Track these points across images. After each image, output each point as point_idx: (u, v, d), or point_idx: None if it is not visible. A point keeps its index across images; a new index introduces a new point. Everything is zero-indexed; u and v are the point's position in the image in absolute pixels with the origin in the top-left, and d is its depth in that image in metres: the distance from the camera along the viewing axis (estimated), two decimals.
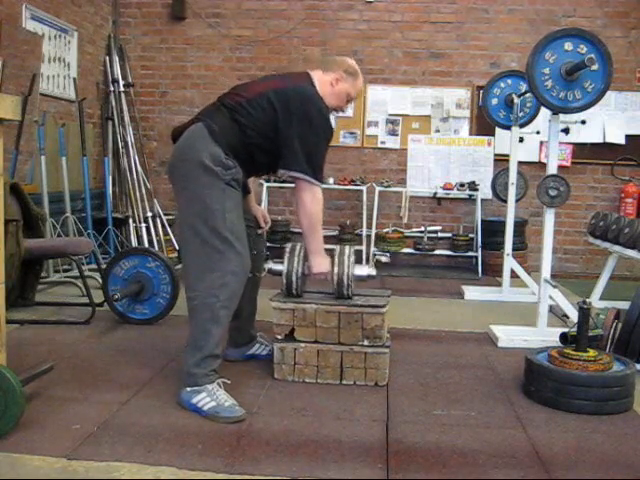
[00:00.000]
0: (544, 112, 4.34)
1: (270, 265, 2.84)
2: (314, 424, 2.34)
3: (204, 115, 2.53)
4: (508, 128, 4.78)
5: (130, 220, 5.79)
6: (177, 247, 4.52)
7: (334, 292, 2.78)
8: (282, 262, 2.78)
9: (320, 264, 2.70)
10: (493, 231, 5.85)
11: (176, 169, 2.51)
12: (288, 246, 2.83)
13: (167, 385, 2.67)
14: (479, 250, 5.93)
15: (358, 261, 2.90)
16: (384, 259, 2.92)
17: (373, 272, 2.84)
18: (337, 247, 2.81)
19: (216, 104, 2.57)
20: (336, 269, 2.72)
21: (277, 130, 2.49)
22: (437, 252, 6.14)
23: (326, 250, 2.74)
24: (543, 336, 3.49)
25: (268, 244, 3.23)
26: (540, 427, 2.40)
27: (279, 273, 2.77)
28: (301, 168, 2.49)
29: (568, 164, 6.09)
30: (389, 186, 6.06)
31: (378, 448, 2.16)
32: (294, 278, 2.74)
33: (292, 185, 2.76)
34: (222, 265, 2.38)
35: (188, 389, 2.42)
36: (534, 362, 2.70)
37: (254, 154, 2.53)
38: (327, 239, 6.22)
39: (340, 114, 6.11)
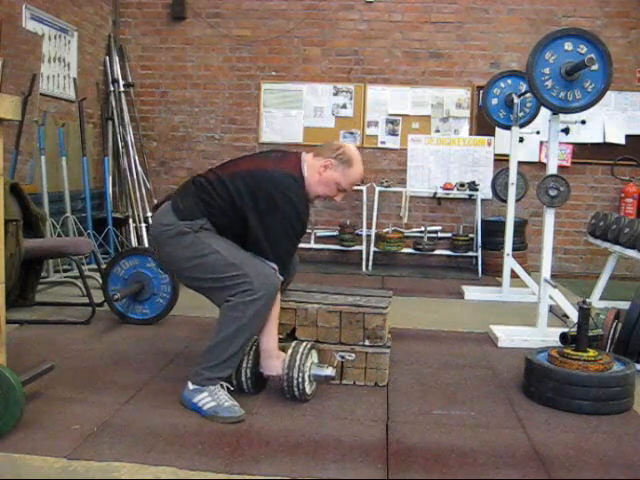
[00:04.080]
0: (544, 112, 4.34)
1: None
2: (314, 424, 2.34)
3: (176, 192, 2.57)
4: (508, 128, 4.78)
5: (130, 220, 5.79)
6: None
7: (285, 391, 2.53)
8: None
9: (271, 366, 2.53)
10: (493, 231, 5.86)
11: (154, 244, 2.60)
12: None
13: (167, 385, 2.67)
14: (479, 250, 5.93)
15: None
16: (348, 357, 2.67)
17: (332, 373, 2.58)
18: (293, 345, 2.58)
19: (189, 181, 2.58)
20: (286, 370, 2.49)
21: (240, 214, 2.43)
22: (437, 252, 6.14)
23: (281, 342, 2.60)
24: (543, 336, 3.50)
25: None
26: (540, 427, 2.40)
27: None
28: (266, 257, 2.43)
29: (568, 164, 6.09)
30: (389, 186, 6.06)
31: (378, 448, 2.16)
32: (243, 377, 2.57)
33: None
34: (247, 285, 2.36)
35: (191, 387, 2.43)
36: (534, 362, 2.70)
37: (222, 231, 2.49)
38: (327, 239, 6.27)
39: (340, 113, 6.23)
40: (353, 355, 2.69)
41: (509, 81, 4.80)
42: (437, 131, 6.27)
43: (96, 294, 3.86)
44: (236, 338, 2.40)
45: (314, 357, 2.63)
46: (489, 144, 6.19)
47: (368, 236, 6.02)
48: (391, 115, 6.26)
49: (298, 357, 2.51)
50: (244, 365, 2.56)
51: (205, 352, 2.46)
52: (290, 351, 2.53)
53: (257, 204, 2.41)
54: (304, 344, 2.59)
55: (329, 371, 2.58)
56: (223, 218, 2.47)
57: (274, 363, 2.54)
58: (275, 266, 2.45)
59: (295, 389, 2.50)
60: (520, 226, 5.78)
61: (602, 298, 4.43)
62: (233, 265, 2.38)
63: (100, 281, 3.99)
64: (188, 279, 2.54)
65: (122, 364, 2.97)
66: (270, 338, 2.53)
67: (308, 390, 2.54)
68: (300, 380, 2.48)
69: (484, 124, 5.78)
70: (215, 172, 2.55)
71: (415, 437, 2.26)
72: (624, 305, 3.29)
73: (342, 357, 2.69)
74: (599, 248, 4.73)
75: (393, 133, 6.29)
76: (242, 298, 2.37)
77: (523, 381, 2.80)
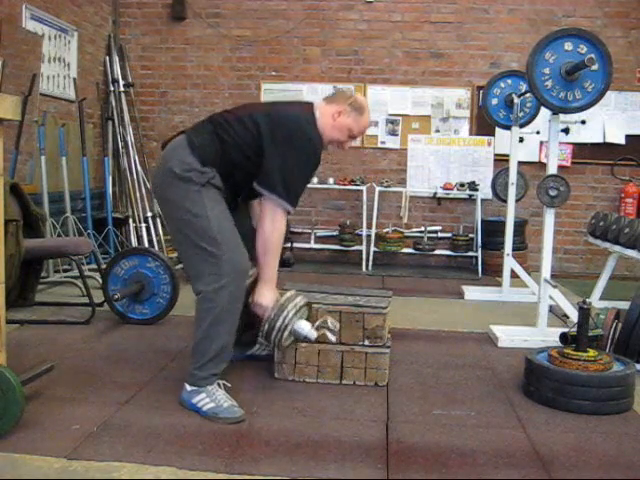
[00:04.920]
0: (544, 112, 4.34)
1: None
2: (314, 424, 2.34)
3: (190, 129, 2.57)
4: (508, 128, 4.78)
5: (130, 220, 5.79)
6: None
7: (263, 332, 2.57)
8: None
9: (264, 295, 2.54)
10: (493, 231, 5.85)
11: (157, 180, 2.55)
12: None
13: (167, 385, 2.67)
14: (479, 250, 5.93)
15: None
16: (331, 336, 2.65)
17: (312, 335, 2.57)
18: (291, 292, 2.61)
19: (205, 119, 2.59)
20: (274, 311, 2.51)
21: (258, 152, 2.45)
22: (437, 252, 6.14)
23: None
24: (543, 336, 3.50)
25: None
26: (540, 427, 2.40)
27: None
28: (272, 187, 2.43)
29: (568, 164, 6.09)
30: (389, 186, 6.06)
31: (378, 448, 2.16)
32: None
33: None
34: (216, 268, 2.36)
35: (189, 388, 2.43)
36: (534, 362, 2.70)
37: (234, 172, 2.49)
38: (327, 239, 6.28)
39: None
40: (337, 325, 2.69)
41: (509, 81, 4.80)
42: (437, 131, 6.27)
43: (96, 294, 3.86)
44: (216, 330, 2.39)
45: (304, 314, 2.62)
46: (489, 144, 6.19)
47: (368, 236, 6.02)
48: (391, 115, 6.26)
49: (290, 305, 2.52)
50: None
51: (192, 352, 2.46)
52: (287, 296, 2.56)
53: (275, 139, 2.43)
54: (300, 297, 2.60)
55: (310, 333, 2.57)
56: (237, 155, 2.46)
57: (267, 293, 2.54)
58: (286, 203, 2.44)
59: (274, 332, 2.51)
60: (520, 226, 5.77)
61: (602, 298, 4.43)
62: (214, 240, 2.37)
63: (100, 281, 3.99)
64: (171, 228, 2.53)
65: (122, 364, 2.97)
66: (269, 269, 2.52)
67: (285, 340, 2.55)
68: (283, 325, 2.49)
69: (484, 124, 5.78)
70: (231, 112, 2.58)
71: (415, 437, 2.26)
72: (624, 305, 3.29)
73: (326, 325, 2.65)
74: (599, 248, 4.73)
75: (393, 133, 6.29)
76: (208, 286, 2.36)
77: (523, 381, 2.80)
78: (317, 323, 2.65)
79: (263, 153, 2.45)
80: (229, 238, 2.41)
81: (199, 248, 2.38)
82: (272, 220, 2.46)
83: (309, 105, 2.63)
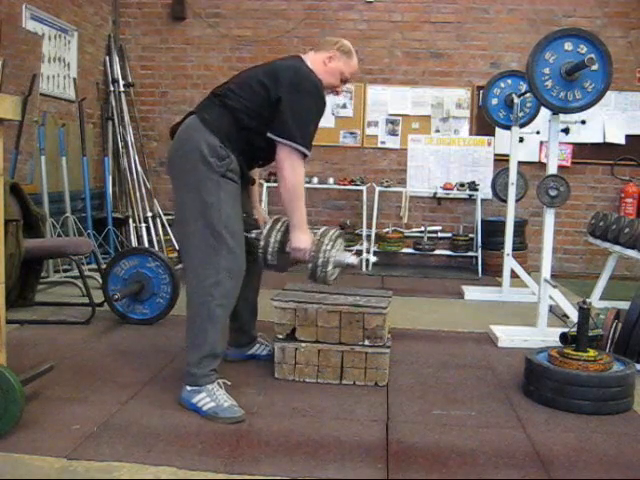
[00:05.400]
0: (544, 112, 4.34)
1: (250, 234, 2.65)
2: (314, 424, 2.34)
3: (197, 108, 2.57)
4: (508, 128, 4.78)
5: (130, 220, 5.79)
6: (177, 246, 4.53)
7: (308, 272, 2.56)
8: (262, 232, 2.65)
9: (299, 239, 2.52)
10: (493, 231, 5.86)
11: (174, 163, 2.51)
12: (272, 218, 2.70)
13: (167, 385, 2.67)
14: (479, 250, 5.93)
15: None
16: (372, 258, 2.69)
17: (354, 261, 2.58)
18: (323, 228, 2.63)
19: (208, 96, 2.60)
20: (313, 248, 2.50)
21: (272, 109, 2.44)
22: (437, 252, 6.14)
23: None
24: (543, 336, 3.50)
25: None
26: (540, 427, 2.40)
27: (257, 239, 2.62)
28: (286, 133, 2.42)
29: (568, 164, 6.09)
30: (389, 186, 6.06)
31: (378, 448, 2.16)
32: (269, 249, 2.59)
33: None
34: (215, 262, 2.37)
35: (188, 388, 2.43)
36: (534, 362, 2.70)
37: (251, 139, 2.48)
38: None
39: (340, 113, 6.23)
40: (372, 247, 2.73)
41: (509, 81, 4.80)
42: (437, 131, 6.28)
43: (96, 294, 3.86)
44: (209, 325, 2.39)
45: (341, 245, 2.62)
46: (489, 144, 6.19)
47: (368, 236, 6.02)
48: (391, 115, 6.26)
49: (326, 239, 2.52)
50: (272, 240, 2.58)
51: (188, 350, 2.46)
52: (320, 231, 2.56)
53: (282, 90, 2.43)
54: (334, 229, 2.61)
55: (352, 259, 2.57)
56: (250, 121, 2.45)
57: (303, 236, 2.52)
58: (302, 147, 2.43)
59: (318, 269, 2.49)
60: (520, 226, 5.78)
61: (602, 298, 4.42)
62: (219, 234, 2.36)
63: (100, 281, 3.99)
64: (178, 206, 2.50)
65: (122, 364, 2.97)
66: (298, 213, 2.50)
67: (330, 274, 2.53)
68: (325, 260, 2.48)
69: (484, 124, 5.78)
70: (231, 82, 2.59)
71: (415, 437, 2.26)
72: (624, 305, 3.29)
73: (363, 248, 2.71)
74: (599, 248, 4.73)
75: (393, 133, 6.29)
76: (205, 280, 2.36)
77: (523, 381, 2.80)
78: (355, 249, 2.65)
79: (272, 107, 2.44)
80: (233, 236, 2.41)
81: (202, 240, 2.38)
82: (291, 166, 2.44)
83: (299, 57, 2.67)
